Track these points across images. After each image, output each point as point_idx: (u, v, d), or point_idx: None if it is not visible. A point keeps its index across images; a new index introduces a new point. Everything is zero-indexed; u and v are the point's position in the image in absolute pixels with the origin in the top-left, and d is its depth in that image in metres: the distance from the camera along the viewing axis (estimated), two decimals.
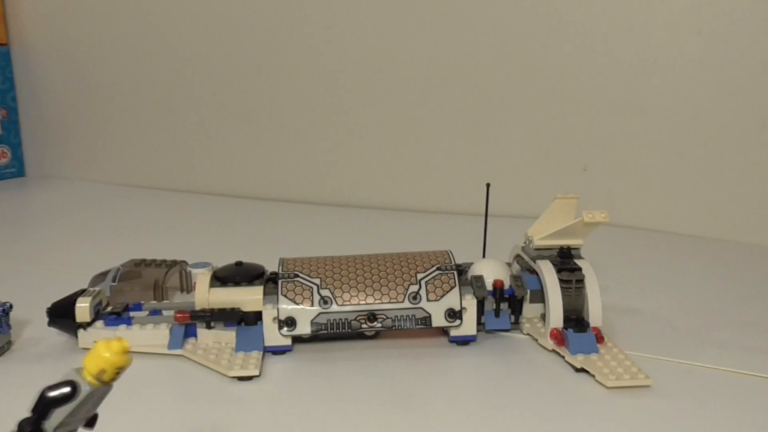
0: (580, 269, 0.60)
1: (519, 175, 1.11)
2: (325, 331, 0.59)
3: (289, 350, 0.60)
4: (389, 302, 0.59)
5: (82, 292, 0.62)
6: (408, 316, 0.59)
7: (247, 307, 0.59)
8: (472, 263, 0.65)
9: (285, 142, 1.27)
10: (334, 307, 0.59)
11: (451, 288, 0.60)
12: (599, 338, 0.58)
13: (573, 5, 1.03)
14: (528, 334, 0.63)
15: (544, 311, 0.61)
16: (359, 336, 0.61)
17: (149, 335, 0.60)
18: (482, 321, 0.62)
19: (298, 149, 1.26)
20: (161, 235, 1.04)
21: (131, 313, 0.63)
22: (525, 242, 0.67)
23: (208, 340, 0.60)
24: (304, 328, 0.58)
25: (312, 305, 0.59)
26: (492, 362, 0.58)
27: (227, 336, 0.60)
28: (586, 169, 1.07)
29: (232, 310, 0.59)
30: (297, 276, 0.60)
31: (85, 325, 0.60)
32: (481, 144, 1.13)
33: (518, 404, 0.51)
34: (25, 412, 0.32)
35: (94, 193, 1.36)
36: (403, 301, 0.59)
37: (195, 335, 0.61)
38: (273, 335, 0.59)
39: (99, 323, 0.60)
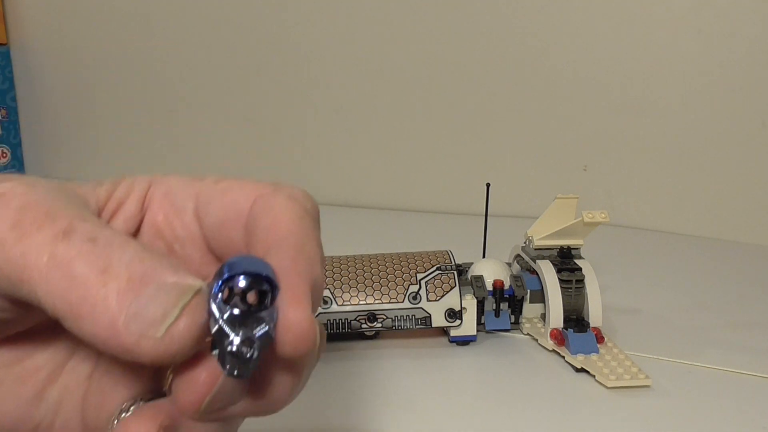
0: (580, 269, 0.60)
1: (519, 175, 1.11)
2: (325, 331, 0.58)
3: None
4: (389, 302, 0.59)
5: None
6: (408, 316, 0.59)
7: None
8: (472, 263, 0.65)
9: (284, 142, 1.27)
10: (334, 307, 0.59)
11: (451, 288, 0.60)
12: (599, 338, 0.58)
13: (573, 5, 1.03)
14: (528, 334, 0.63)
15: (544, 311, 0.61)
16: (359, 336, 0.61)
17: None
18: (482, 321, 0.62)
19: (298, 149, 1.26)
20: None
21: None
22: (525, 242, 0.67)
23: None
24: None
25: None
26: (492, 362, 0.58)
27: None
28: (586, 169, 1.07)
29: None
30: None
31: None
32: (481, 144, 1.13)
33: (518, 404, 0.51)
34: None
35: None
36: (403, 301, 0.59)
37: None
38: None
39: None
